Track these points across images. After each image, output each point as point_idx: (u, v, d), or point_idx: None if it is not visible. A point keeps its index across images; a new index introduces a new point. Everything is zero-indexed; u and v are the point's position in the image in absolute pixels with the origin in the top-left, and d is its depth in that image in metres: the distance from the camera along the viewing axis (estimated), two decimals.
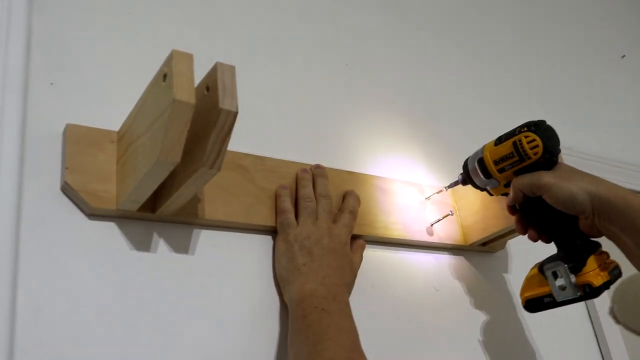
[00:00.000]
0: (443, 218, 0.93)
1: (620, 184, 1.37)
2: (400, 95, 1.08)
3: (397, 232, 0.89)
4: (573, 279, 0.75)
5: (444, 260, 0.96)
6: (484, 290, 0.98)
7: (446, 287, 0.94)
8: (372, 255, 0.87)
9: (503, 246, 1.01)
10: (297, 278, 0.73)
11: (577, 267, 0.75)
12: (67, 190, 0.67)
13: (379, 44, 1.11)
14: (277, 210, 0.78)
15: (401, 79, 1.10)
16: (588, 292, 0.74)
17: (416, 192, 0.95)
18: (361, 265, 0.82)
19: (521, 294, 0.81)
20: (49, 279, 0.63)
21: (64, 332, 0.62)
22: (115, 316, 0.66)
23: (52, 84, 0.71)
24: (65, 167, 0.66)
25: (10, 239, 0.60)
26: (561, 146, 1.29)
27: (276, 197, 0.79)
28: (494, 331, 0.95)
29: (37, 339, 0.60)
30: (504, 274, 1.02)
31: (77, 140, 0.68)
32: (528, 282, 0.80)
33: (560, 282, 0.76)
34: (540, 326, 0.99)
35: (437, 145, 1.05)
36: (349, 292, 0.78)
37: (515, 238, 0.94)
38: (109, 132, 0.70)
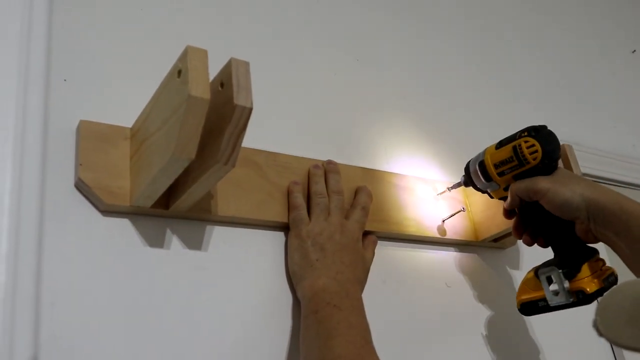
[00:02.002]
0: (455, 214, 0.92)
1: (630, 179, 1.38)
2: (411, 91, 1.07)
3: (410, 228, 0.89)
4: (566, 284, 0.75)
5: (456, 256, 0.96)
6: (495, 286, 0.98)
7: (457, 283, 0.94)
8: (383, 251, 0.86)
9: (514, 242, 1.00)
10: (310, 274, 0.73)
11: (571, 273, 0.75)
12: (81, 186, 0.67)
13: (389, 40, 1.11)
14: (290, 206, 0.78)
15: (412, 74, 1.10)
16: (581, 299, 0.74)
17: (428, 189, 0.94)
18: (373, 261, 0.82)
19: (517, 296, 0.81)
20: (63, 274, 0.63)
21: (77, 326, 0.62)
22: (128, 311, 0.66)
23: (65, 80, 0.71)
24: (79, 164, 0.66)
25: (33, 237, 0.61)
26: (571, 142, 1.28)
27: (289, 193, 0.79)
28: (505, 327, 0.95)
29: (52, 332, 0.60)
30: (515, 270, 1.01)
31: (91, 137, 0.68)
32: (524, 286, 0.81)
33: (554, 287, 0.76)
34: (552, 323, 0.99)
35: (448, 141, 1.05)
36: (362, 288, 0.78)
37: None
38: (123, 128, 0.70)
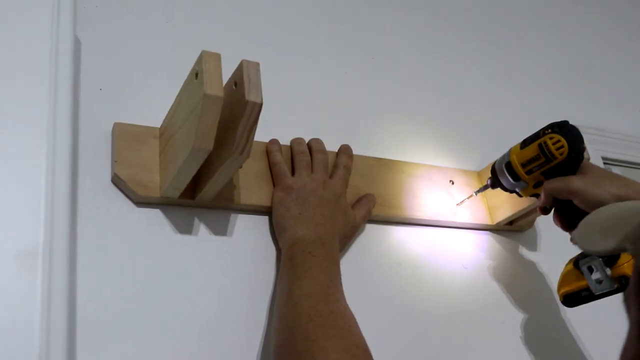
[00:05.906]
0: (467, 199, 0.96)
1: None
2: (426, 84, 1.11)
3: (424, 213, 0.93)
4: (608, 271, 0.77)
5: (471, 239, 0.98)
6: (512, 269, 1.00)
7: (474, 265, 0.96)
8: (398, 234, 0.91)
9: (531, 225, 1.02)
10: (291, 225, 0.78)
11: (611, 260, 0.77)
12: (116, 181, 0.75)
13: (405, 37, 1.14)
14: (270, 164, 0.82)
15: (427, 68, 1.13)
16: (624, 284, 0.76)
17: (442, 176, 0.98)
18: (388, 243, 0.86)
19: (558, 289, 0.84)
20: (103, 261, 0.71)
21: (114, 309, 0.70)
22: (160, 292, 0.73)
23: (101, 89, 0.80)
24: (114, 161, 0.74)
25: (67, 226, 0.66)
26: (595, 128, 1.28)
27: (267, 153, 0.83)
28: (522, 309, 0.97)
29: (94, 312, 0.68)
30: (533, 253, 1.03)
31: (124, 137, 0.76)
32: (564, 278, 0.83)
33: (596, 275, 0.78)
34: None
35: (462, 129, 1.08)
36: (343, 243, 0.81)
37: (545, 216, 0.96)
38: (152, 128, 0.78)
